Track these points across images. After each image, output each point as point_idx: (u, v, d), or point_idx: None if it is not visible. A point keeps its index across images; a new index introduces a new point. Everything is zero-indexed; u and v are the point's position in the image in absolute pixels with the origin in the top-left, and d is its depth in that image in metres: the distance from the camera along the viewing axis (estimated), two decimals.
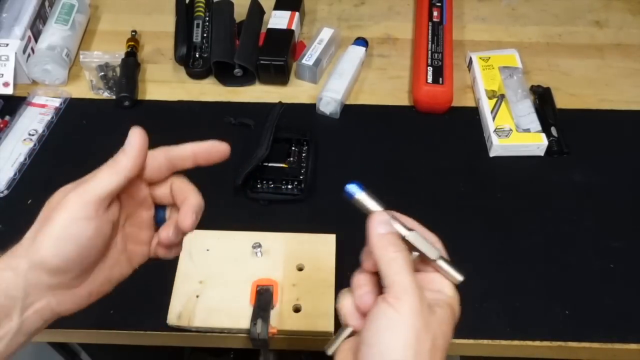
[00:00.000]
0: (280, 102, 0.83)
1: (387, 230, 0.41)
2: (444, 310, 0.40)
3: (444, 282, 0.43)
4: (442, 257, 0.42)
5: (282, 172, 0.78)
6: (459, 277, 0.43)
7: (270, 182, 0.78)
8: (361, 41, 0.95)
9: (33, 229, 0.42)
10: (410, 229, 0.42)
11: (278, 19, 0.94)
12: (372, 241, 0.41)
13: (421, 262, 0.43)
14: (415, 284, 0.39)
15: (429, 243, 0.42)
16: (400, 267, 0.39)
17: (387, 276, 0.40)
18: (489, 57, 0.91)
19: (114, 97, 0.89)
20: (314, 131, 0.85)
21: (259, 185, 0.77)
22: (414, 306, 0.38)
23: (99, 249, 0.42)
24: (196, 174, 0.76)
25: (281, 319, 0.64)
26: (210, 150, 0.48)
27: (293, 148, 0.82)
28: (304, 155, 0.81)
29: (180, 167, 0.47)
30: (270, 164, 0.79)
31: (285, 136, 0.82)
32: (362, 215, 0.79)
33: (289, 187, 0.77)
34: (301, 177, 0.78)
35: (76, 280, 0.42)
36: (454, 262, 0.44)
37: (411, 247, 0.42)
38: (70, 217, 0.40)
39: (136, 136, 0.43)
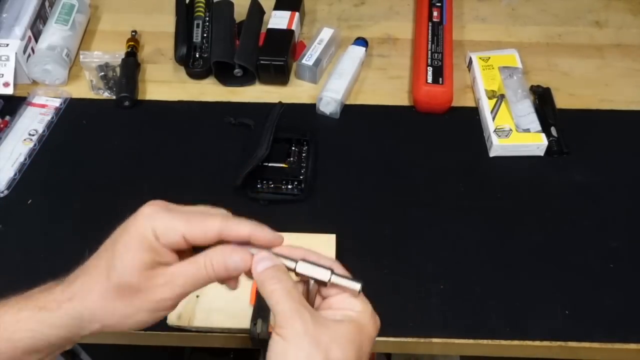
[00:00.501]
0: (280, 102, 0.83)
1: (264, 266, 0.42)
2: (344, 325, 0.41)
3: (350, 299, 0.43)
4: (333, 274, 0.42)
5: (282, 172, 0.78)
6: (356, 287, 0.43)
7: (270, 182, 0.78)
8: (361, 41, 0.95)
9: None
10: (295, 260, 0.42)
11: (278, 19, 0.94)
12: (256, 280, 0.42)
13: (323, 286, 0.43)
14: (295, 308, 0.40)
15: (318, 267, 0.42)
16: (279, 297, 0.40)
17: (271, 308, 0.40)
18: (489, 57, 0.91)
19: (114, 97, 0.89)
20: (314, 131, 0.85)
21: (259, 186, 0.77)
22: (297, 329, 0.39)
23: None
24: (196, 175, 0.77)
25: None
26: (270, 241, 0.44)
27: (293, 148, 0.81)
28: (304, 155, 0.81)
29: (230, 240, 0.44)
30: (270, 164, 0.79)
31: (285, 136, 0.82)
32: (362, 215, 0.79)
33: (289, 187, 0.77)
34: (301, 177, 0.78)
35: None
36: (350, 273, 0.43)
37: (305, 277, 0.42)
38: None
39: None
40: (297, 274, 0.43)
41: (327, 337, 0.39)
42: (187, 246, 0.42)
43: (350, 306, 0.42)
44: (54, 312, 0.41)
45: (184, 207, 0.43)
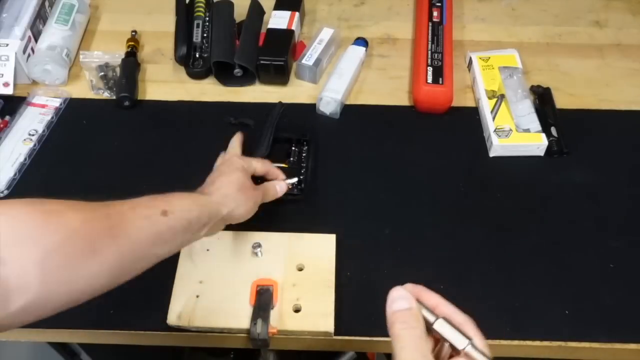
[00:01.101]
0: (280, 102, 0.83)
1: (399, 307, 0.42)
2: None
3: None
4: (471, 344, 0.40)
5: (282, 172, 0.78)
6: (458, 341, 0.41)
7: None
8: (361, 41, 0.95)
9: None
10: (435, 315, 0.41)
11: (278, 19, 0.94)
12: (387, 318, 0.42)
13: (456, 353, 0.42)
14: (414, 357, 0.39)
15: (457, 331, 0.41)
16: (406, 343, 0.40)
17: (394, 352, 0.40)
18: (489, 57, 0.91)
19: (114, 97, 0.89)
20: (314, 131, 0.85)
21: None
22: None
23: None
24: (196, 174, 0.77)
25: (281, 319, 0.64)
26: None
27: (293, 148, 0.82)
28: (304, 155, 0.81)
29: None
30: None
31: (285, 136, 0.82)
32: (362, 215, 0.79)
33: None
34: (301, 177, 0.78)
35: None
36: (484, 347, 0.42)
37: (438, 336, 0.41)
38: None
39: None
40: (431, 330, 0.41)
41: None
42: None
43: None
44: (211, 195, 0.62)
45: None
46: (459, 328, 0.40)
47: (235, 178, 0.65)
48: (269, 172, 0.73)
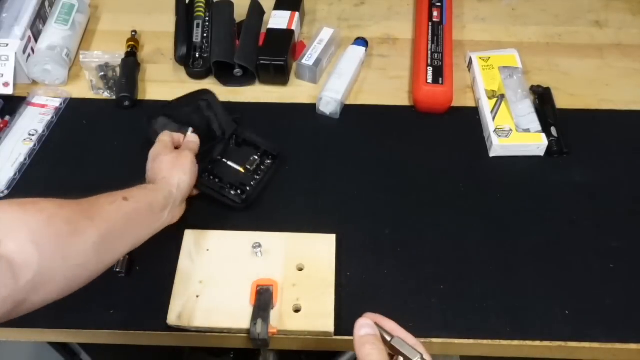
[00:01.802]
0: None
1: (366, 332, 0.49)
2: None
3: None
4: (421, 356, 0.48)
5: (235, 175, 0.77)
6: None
7: (217, 179, 0.77)
8: (361, 41, 0.95)
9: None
10: (391, 335, 0.49)
11: (278, 19, 0.94)
12: (355, 341, 0.49)
13: None
14: None
15: (409, 347, 0.48)
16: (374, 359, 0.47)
17: None
18: (489, 57, 0.91)
19: (114, 97, 0.89)
20: (315, 132, 0.85)
21: (204, 175, 0.77)
22: None
23: None
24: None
25: (281, 319, 0.64)
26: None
27: (255, 157, 0.80)
28: (262, 167, 0.79)
29: None
30: (227, 162, 0.79)
31: (255, 141, 0.81)
32: (362, 215, 0.79)
33: (232, 192, 0.76)
34: (248, 188, 0.77)
35: None
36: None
37: (395, 351, 0.48)
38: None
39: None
40: (389, 347, 0.48)
41: None
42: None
43: None
44: (152, 184, 0.69)
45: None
46: (409, 344, 0.49)
47: (163, 159, 0.71)
48: (181, 138, 0.78)
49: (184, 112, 0.82)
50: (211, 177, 0.77)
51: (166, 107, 0.83)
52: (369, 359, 0.47)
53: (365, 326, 0.49)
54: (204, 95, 0.84)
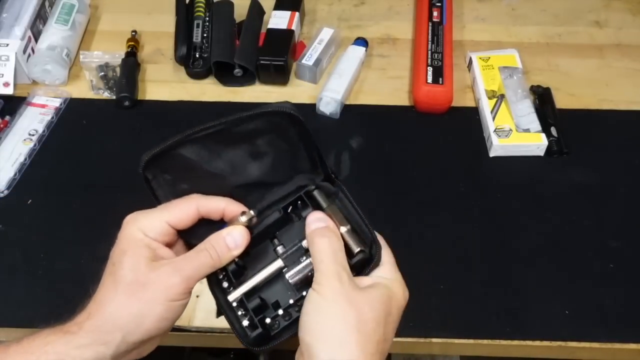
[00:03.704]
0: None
1: (317, 226, 0.45)
2: (376, 289, 0.44)
3: (383, 268, 0.47)
4: (348, 230, 0.45)
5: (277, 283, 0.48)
6: (355, 248, 0.45)
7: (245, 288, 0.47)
8: (361, 41, 0.95)
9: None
10: (344, 225, 0.46)
11: (278, 19, 0.94)
12: (307, 233, 0.45)
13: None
14: (336, 270, 0.43)
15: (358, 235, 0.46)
16: (324, 256, 0.43)
17: (314, 265, 0.44)
18: (489, 57, 0.91)
19: (114, 97, 0.89)
20: (315, 132, 0.85)
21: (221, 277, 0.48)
22: (334, 287, 0.42)
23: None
24: None
25: None
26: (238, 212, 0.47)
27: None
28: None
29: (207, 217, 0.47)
30: (278, 248, 0.49)
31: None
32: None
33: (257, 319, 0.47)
34: (287, 317, 0.47)
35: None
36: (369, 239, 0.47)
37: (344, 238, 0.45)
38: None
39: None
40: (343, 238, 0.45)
41: (361, 298, 0.43)
42: (175, 235, 0.46)
43: (382, 273, 0.46)
44: (77, 334, 0.41)
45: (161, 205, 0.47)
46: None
47: (124, 273, 0.42)
48: (230, 210, 0.46)
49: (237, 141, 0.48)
50: (231, 278, 0.47)
51: (205, 129, 0.46)
52: (319, 256, 0.43)
53: (318, 220, 0.45)
54: (281, 111, 0.48)
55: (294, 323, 0.45)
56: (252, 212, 0.46)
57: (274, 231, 0.49)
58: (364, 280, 0.45)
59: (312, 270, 0.44)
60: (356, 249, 0.45)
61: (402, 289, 0.46)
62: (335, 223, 0.46)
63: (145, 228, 0.44)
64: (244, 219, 0.45)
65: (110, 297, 0.42)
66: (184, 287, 0.43)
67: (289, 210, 0.49)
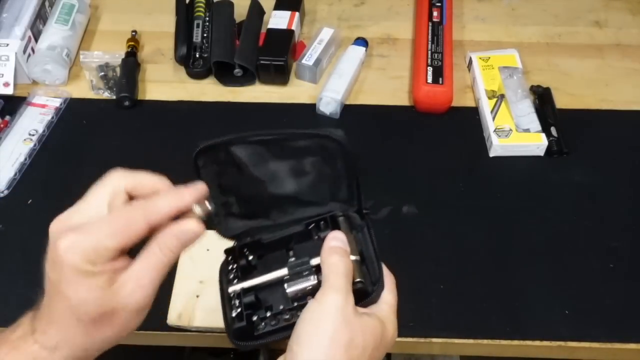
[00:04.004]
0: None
1: (337, 244, 0.46)
2: (372, 319, 0.45)
3: (382, 306, 0.47)
4: (357, 260, 0.47)
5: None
6: (356, 277, 0.46)
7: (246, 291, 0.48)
8: (361, 41, 0.95)
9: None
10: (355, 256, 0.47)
11: (278, 19, 0.94)
12: (324, 248, 0.46)
13: None
14: (345, 288, 0.43)
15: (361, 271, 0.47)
16: (339, 271, 0.44)
17: (325, 277, 0.44)
18: (489, 57, 0.91)
19: (114, 97, 0.89)
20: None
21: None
22: (337, 302, 0.42)
23: None
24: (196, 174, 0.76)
25: None
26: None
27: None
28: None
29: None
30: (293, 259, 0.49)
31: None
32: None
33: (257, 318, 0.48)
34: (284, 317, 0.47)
35: None
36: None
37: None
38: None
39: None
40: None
41: (357, 322, 0.43)
42: (125, 251, 0.41)
43: (379, 310, 0.46)
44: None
45: (93, 205, 0.43)
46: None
47: (85, 309, 0.39)
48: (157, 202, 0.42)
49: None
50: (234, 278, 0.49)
51: (261, 134, 0.48)
52: (333, 269, 0.44)
53: (337, 239, 0.47)
54: (335, 138, 0.50)
55: (279, 331, 0.46)
56: (209, 206, 0.43)
57: (292, 243, 0.50)
58: (360, 309, 0.45)
59: (312, 289, 0.45)
60: (357, 279, 0.46)
61: (393, 330, 0.47)
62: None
63: (93, 258, 0.38)
64: (199, 210, 0.43)
65: (79, 330, 0.40)
66: (151, 295, 0.41)
67: (310, 227, 0.50)
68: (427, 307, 0.67)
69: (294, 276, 0.46)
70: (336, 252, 0.45)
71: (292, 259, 0.48)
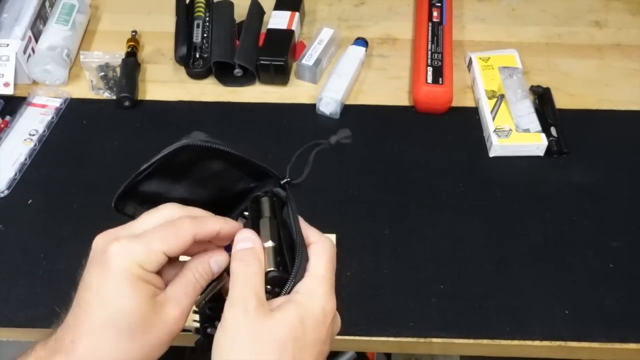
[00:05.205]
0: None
1: (241, 247, 0.43)
2: (283, 311, 0.40)
3: (303, 281, 0.43)
4: (273, 247, 0.44)
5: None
6: (266, 267, 0.43)
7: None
8: (361, 41, 0.95)
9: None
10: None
11: (278, 19, 0.94)
12: (232, 254, 0.43)
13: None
14: (241, 295, 0.40)
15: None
16: (237, 281, 0.41)
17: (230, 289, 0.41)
18: (489, 57, 0.91)
19: (114, 97, 0.89)
20: (315, 132, 0.85)
21: None
22: (234, 318, 0.39)
23: None
24: None
25: None
26: (235, 232, 0.45)
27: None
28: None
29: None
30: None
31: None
32: (362, 215, 0.79)
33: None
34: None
35: None
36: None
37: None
38: None
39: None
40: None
41: (263, 327, 0.39)
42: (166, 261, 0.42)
43: (299, 288, 0.42)
44: None
45: (143, 224, 0.42)
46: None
47: (128, 319, 0.39)
48: (224, 232, 0.44)
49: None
50: None
51: (146, 168, 0.47)
52: (233, 280, 0.41)
53: (244, 240, 0.42)
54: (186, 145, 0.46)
55: None
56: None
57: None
58: (276, 301, 0.41)
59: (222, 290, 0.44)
60: (268, 268, 0.43)
61: (320, 303, 0.41)
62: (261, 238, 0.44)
63: (143, 262, 0.39)
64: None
65: (114, 344, 0.38)
66: (185, 318, 0.42)
67: (245, 215, 0.49)
68: (427, 307, 0.67)
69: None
70: (237, 258, 0.42)
71: None
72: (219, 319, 0.43)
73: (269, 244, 0.44)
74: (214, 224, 0.43)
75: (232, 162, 0.47)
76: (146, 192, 0.47)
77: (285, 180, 0.48)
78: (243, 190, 0.50)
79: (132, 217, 0.47)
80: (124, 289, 0.38)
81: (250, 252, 0.42)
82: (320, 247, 0.45)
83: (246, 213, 0.49)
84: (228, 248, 0.45)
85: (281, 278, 0.43)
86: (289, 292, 0.42)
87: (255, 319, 0.39)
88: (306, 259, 0.44)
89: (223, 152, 0.46)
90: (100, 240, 0.42)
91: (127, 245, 0.39)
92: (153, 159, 0.46)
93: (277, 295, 0.43)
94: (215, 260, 0.44)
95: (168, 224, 0.41)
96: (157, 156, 0.46)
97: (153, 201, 0.46)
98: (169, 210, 0.43)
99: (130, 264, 0.39)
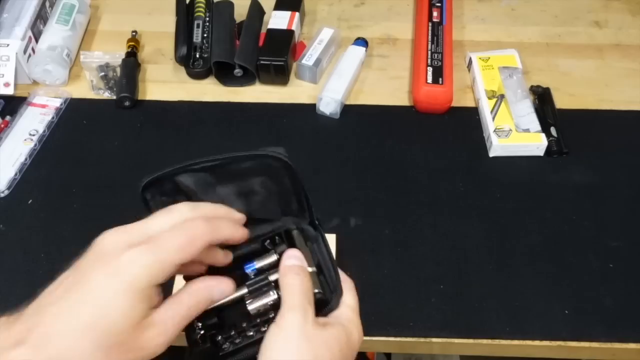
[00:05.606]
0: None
1: (292, 263, 0.46)
2: (334, 328, 0.44)
3: (343, 308, 0.47)
4: (314, 271, 0.47)
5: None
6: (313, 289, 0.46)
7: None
8: (361, 41, 0.95)
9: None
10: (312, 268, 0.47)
11: (278, 19, 0.94)
12: (280, 268, 0.46)
13: None
14: (302, 305, 0.43)
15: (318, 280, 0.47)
16: (295, 290, 0.44)
17: (283, 299, 0.44)
18: (489, 57, 0.91)
19: (114, 97, 0.89)
20: (315, 132, 0.85)
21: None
22: (295, 321, 0.42)
23: None
24: None
25: None
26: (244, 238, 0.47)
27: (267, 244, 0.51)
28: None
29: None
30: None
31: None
32: (362, 215, 0.79)
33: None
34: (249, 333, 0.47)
35: None
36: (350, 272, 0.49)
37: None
38: None
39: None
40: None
41: (319, 336, 0.43)
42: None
43: (340, 314, 0.46)
44: None
45: (156, 225, 0.41)
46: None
47: (114, 328, 0.37)
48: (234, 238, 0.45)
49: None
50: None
51: (203, 162, 0.47)
52: (289, 289, 0.44)
53: (292, 257, 0.46)
54: (276, 156, 0.47)
55: (244, 348, 0.46)
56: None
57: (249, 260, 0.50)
58: (321, 319, 0.45)
59: (274, 304, 0.46)
60: (314, 290, 0.46)
61: (358, 332, 0.47)
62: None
63: (155, 276, 0.38)
64: None
65: (79, 353, 0.35)
66: (168, 343, 0.40)
67: (266, 243, 0.51)
68: (427, 307, 0.67)
69: (254, 292, 0.47)
70: (291, 271, 0.45)
71: (252, 277, 0.49)
72: (224, 327, 0.47)
73: (311, 269, 0.47)
74: (225, 228, 0.44)
75: (288, 185, 0.49)
76: (181, 184, 0.47)
77: (317, 222, 0.51)
78: (265, 220, 0.51)
79: (147, 203, 0.47)
80: (124, 300, 0.37)
81: (303, 269, 0.46)
82: (349, 284, 0.49)
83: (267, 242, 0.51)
84: (231, 267, 0.47)
85: (321, 300, 0.46)
86: (325, 315, 0.46)
87: (314, 327, 0.43)
88: (341, 292, 0.47)
89: (292, 171, 0.48)
90: (110, 239, 0.40)
91: (143, 256, 0.38)
92: (222, 156, 0.47)
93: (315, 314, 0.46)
94: (220, 291, 0.44)
95: (183, 230, 0.41)
96: (228, 155, 0.47)
97: (178, 194, 0.47)
98: (182, 213, 0.42)
99: (142, 276, 0.38)
